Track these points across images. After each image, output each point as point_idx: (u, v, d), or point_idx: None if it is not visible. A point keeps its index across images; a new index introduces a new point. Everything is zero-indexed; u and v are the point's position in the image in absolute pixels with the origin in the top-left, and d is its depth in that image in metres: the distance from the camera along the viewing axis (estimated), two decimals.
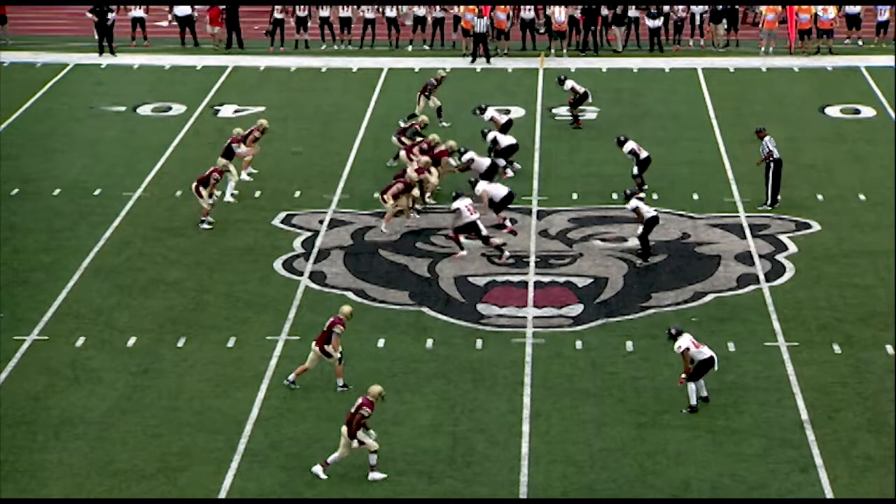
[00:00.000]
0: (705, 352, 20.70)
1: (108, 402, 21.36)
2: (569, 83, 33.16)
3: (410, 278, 25.56)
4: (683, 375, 20.67)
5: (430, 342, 23.16)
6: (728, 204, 28.72)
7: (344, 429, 19.14)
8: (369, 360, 22.49)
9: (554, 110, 34.53)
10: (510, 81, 36.76)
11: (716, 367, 20.74)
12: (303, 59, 39.51)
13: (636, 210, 25.99)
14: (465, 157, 29.04)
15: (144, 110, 35.51)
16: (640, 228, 26.04)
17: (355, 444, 19.09)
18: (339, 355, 21.40)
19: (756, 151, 28.91)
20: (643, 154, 29.13)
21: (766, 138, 28.40)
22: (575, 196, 29.26)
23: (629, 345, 22.95)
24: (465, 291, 24.99)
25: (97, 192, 29.88)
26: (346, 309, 21.68)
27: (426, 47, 40.48)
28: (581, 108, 33.38)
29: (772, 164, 28.22)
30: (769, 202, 28.32)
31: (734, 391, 21.32)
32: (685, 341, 20.66)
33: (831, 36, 39.23)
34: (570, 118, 33.50)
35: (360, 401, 19.18)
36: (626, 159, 29.48)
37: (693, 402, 20.62)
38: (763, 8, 39.78)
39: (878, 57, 38.80)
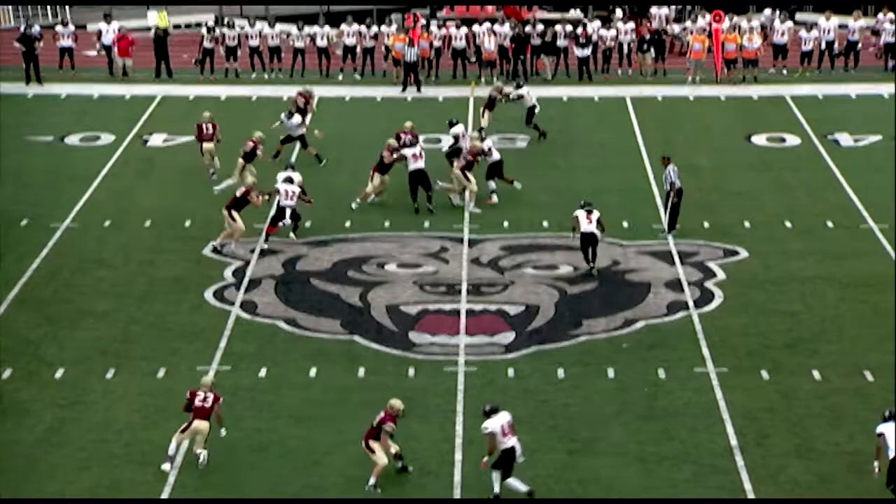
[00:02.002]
0: (509, 441, 19.38)
1: (35, 434, 21.08)
2: (525, 90, 34.16)
3: (342, 307, 25.51)
4: (486, 458, 19.33)
5: (361, 371, 23.12)
6: (657, 231, 28.97)
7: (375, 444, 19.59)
8: (301, 390, 22.40)
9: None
10: (441, 110, 36.87)
11: (518, 459, 19.36)
12: (233, 87, 39.38)
13: (574, 218, 26.40)
14: (404, 151, 29.84)
15: (72, 140, 35.21)
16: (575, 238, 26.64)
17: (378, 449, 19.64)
18: (385, 457, 19.57)
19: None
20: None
21: (669, 167, 28.60)
22: (506, 224, 29.38)
23: (560, 372, 23.04)
24: (396, 320, 24.99)
25: (24, 222, 29.54)
26: (397, 403, 19.89)
27: (357, 76, 40.52)
28: (534, 124, 34.28)
29: (671, 194, 28.47)
30: (667, 230, 28.51)
31: (664, 418, 21.46)
32: (494, 425, 19.26)
33: (756, 65, 39.78)
34: (538, 134, 34.25)
35: (381, 415, 19.63)
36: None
37: (496, 489, 18.96)
38: (690, 38, 40.32)
39: (802, 86, 39.37)
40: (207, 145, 31.41)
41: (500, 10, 43.85)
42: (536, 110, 34.48)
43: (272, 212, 28.47)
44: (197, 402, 20.11)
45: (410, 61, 38.71)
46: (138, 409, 21.85)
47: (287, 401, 21.95)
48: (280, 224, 28.15)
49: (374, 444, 19.59)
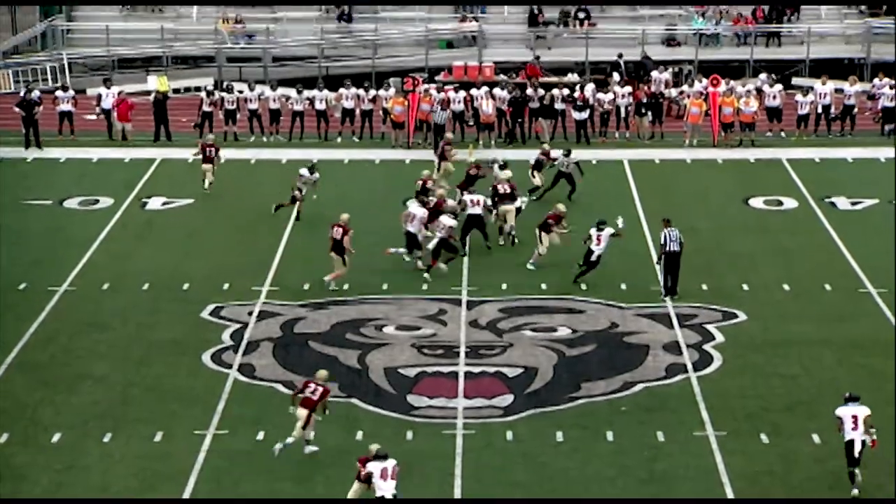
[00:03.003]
0: (385, 487, 19.61)
1: (31, 499, 20.95)
2: (565, 161, 34.98)
3: (340, 370, 25.46)
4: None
5: (360, 434, 23.04)
6: (655, 294, 28.98)
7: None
8: (299, 453, 22.30)
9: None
10: None
11: (395, 496, 19.78)
12: (232, 150, 39.49)
13: (588, 236, 28.95)
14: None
15: (71, 203, 35.29)
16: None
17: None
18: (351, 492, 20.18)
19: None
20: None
21: (666, 229, 28.67)
22: (505, 286, 29.39)
23: (559, 435, 22.96)
24: (395, 383, 24.94)
25: (22, 286, 29.54)
26: (371, 447, 20.27)
27: (355, 139, 40.72)
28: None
29: (663, 257, 28.53)
30: (664, 293, 28.56)
31: (664, 481, 21.37)
32: (376, 467, 19.75)
33: (753, 129, 39.98)
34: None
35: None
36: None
37: None
38: (687, 101, 40.56)
39: (799, 149, 39.55)
40: (206, 165, 34.99)
41: (518, 75, 44.27)
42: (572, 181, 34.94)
43: (434, 244, 29.60)
44: (307, 393, 21.81)
45: (440, 123, 38.95)
46: (135, 472, 21.75)
47: (285, 464, 21.84)
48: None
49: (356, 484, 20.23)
